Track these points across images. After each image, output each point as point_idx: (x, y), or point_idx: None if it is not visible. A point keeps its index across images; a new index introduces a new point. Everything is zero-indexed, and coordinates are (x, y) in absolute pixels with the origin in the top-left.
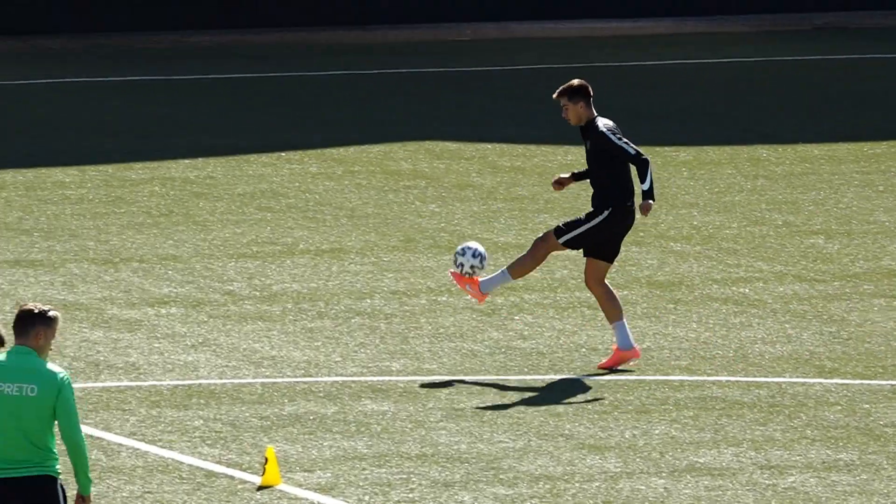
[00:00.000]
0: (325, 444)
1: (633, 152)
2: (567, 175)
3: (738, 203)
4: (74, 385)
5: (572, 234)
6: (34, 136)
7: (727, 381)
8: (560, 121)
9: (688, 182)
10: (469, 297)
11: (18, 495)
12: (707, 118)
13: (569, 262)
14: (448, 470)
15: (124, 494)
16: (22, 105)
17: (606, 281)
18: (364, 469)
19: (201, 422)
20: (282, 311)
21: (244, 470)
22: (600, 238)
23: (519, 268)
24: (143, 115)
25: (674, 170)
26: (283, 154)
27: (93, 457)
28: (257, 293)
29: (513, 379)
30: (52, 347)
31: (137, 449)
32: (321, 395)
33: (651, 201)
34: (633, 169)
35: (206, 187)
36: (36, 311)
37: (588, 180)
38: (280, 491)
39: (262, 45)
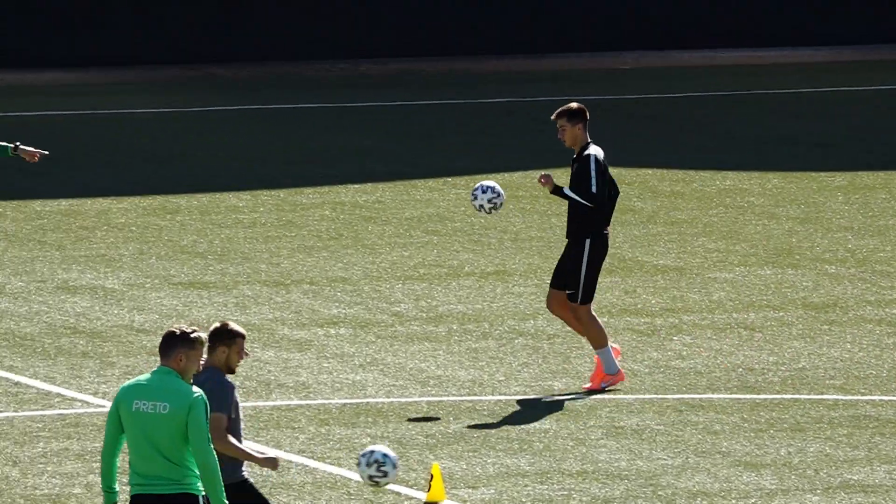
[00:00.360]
0: (488, 461)
1: (593, 189)
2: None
3: (891, 227)
4: (246, 403)
5: (581, 288)
6: (208, 161)
7: (881, 400)
8: (718, 146)
9: (843, 206)
10: (612, 383)
11: None
12: (861, 144)
13: (726, 285)
14: (608, 487)
15: None
16: (198, 132)
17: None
18: (526, 486)
19: (369, 439)
20: (447, 331)
21: (410, 486)
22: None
23: (594, 336)
24: (314, 141)
25: (829, 194)
26: (449, 179)
27: (263, 473)
28: (423, 314)
29: (671, 398)
30: (199, 367)
31: (307, 465)
32: (485, 413)
33: (547, 183)
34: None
35: (374, 211)
36: (178, 333)
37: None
38: None
39: (431, 73)
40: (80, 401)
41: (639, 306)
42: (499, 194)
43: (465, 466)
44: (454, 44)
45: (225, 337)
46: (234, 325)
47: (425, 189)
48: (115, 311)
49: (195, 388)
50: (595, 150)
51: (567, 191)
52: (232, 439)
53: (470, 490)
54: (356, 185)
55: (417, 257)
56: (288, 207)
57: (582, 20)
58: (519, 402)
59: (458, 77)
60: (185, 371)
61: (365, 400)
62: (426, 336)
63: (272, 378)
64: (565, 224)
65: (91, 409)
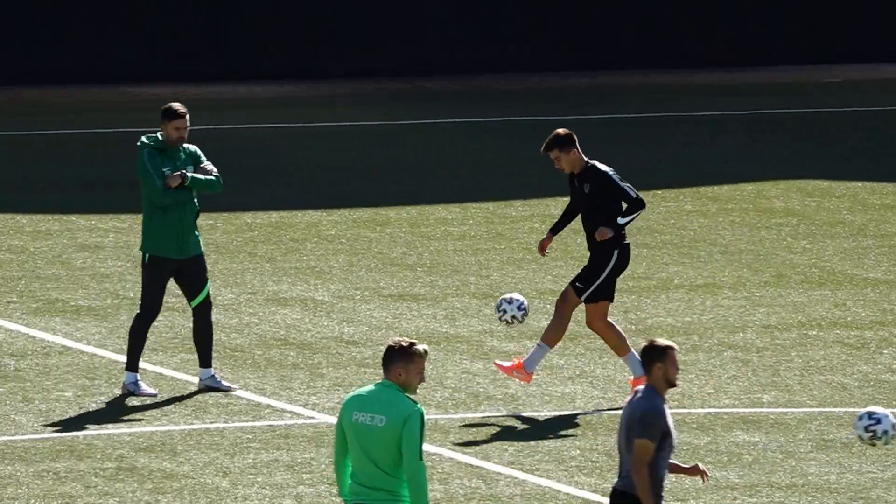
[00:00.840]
0: None
1: (634, 195)
2: (546, 237)
3: None
4: (454, 415)
5: (591, 288)
6: (418, 174)
7: None
8: None
9: None
10: (518, 381)
11: None
12: None
13: None
14: (818, 500)
15: None
16: (407, 145)
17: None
18: (735, 499)
19: (578, 451)
20: None
21: None
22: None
23: (552, 334)
24: (523, 153)
25: None
26: (658, 192)
27: (472, 485)
28: (633, 326)
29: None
30: (422, 380)
31: (515, 478)
32: (694, 426)
33: (610, 231)
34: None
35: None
36: (396, 347)
37: (571, 224)
38: None
39: (634, 86)
40: (290, 412)
41: (849, 319)
42: (523, 309)
43: (673, 479)
44: (645, 57)
45: (656, 353)
46: (661, 341)
47: None
48: (325, 323)
49: (411, 402)
50: (603, 166)
51: (624, 221)
52: (645, 471)
53: (679, 503)
54: (565, 198)
55: (627, 270)
56: (497, 220)
57: (790, 32)
58: (728, 414)
59: (657, 90)
60: (406, 384)
61: (574, 412)
62: (635, 349)
63: (481, 390)
64: (772, 237)
65: (301, 421)
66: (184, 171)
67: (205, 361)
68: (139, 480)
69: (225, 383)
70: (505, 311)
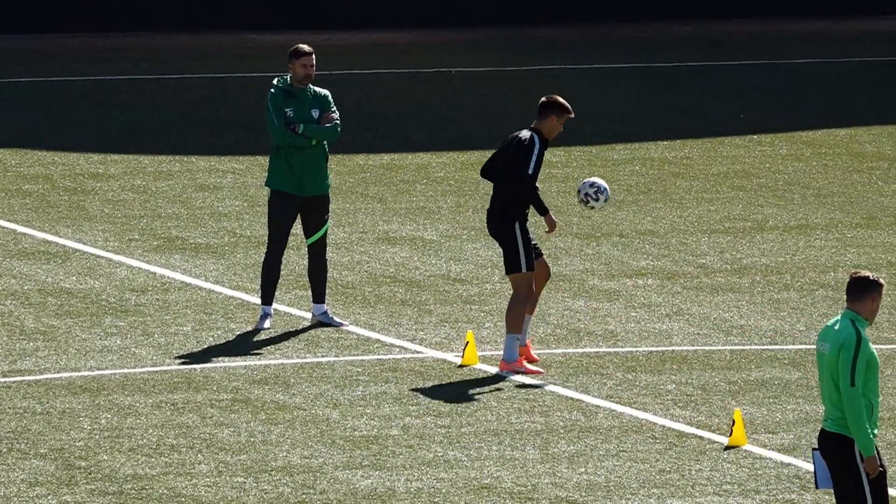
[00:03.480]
0: (788, 407)
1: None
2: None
3: None
4: (556, 350)
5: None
6: (523, 118)
7: None
8: None
9: None
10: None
11: (824, 447)
12: None
13: None
14: None
15: (601, 452)
16: (514, 89)
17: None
18: None
19: (674, 386)
20: (750, 283)
21: (713, 431)
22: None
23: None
24: (625, 99)
25: None
26: (755, 137)
27: (572, 417)
28: (728, 266)
29: None
30: (875, 310)
31: (614, 410)
32: (786, 361)
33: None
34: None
35: (682, 167)
36: (871, 278)
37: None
38: (745, 451)
39: (734, 35)
40: (398, 347)
41: None
42: (601, 199)
43: (765, 413)
44: (754, 5)
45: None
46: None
47: (732, 146)
48: (433, 262)
49: (849, 329)
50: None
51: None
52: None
53: (770, 435)
54: (665, 143)
55: (723, 212)
56: (599, 162)
57: None
58: None
59: (762, 39)
60: (872, 313)
61: (671, 348)
62: (730, 287)
63: (581, 326)
64: (863, 181)
65: (408, 355)
66: (296, 125)
67: (318, 297)
68: (253, 411)
69: (336, 319)
70: (588, 196)
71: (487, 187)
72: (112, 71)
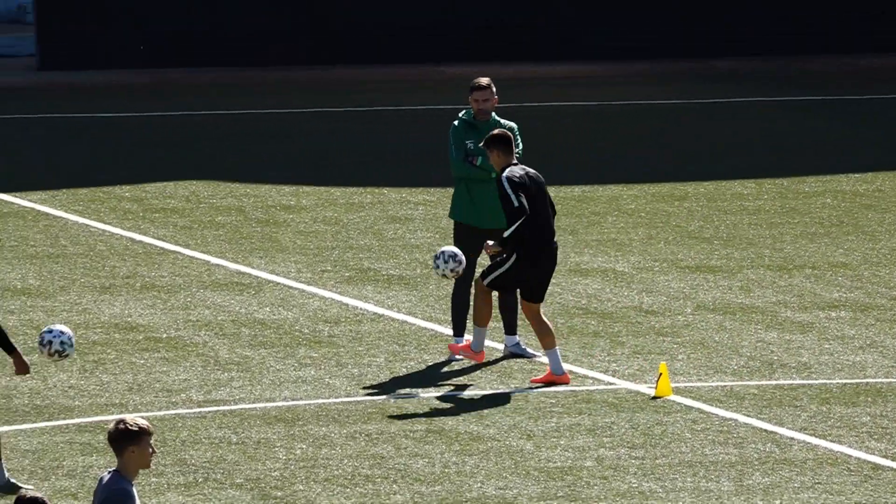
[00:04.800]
0: None
1: (515, 204)
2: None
3: None
4: (749, 382)
5: (492, 276)
6: (714, 150)
7: None
8: None
9: None
10: (469, 360)
11: None
12: None
13: None
14: None
15: (796, 485)
16: (702, 123)
17: (542, 315)
18: None
19: (868, 418)
20: None
21: None
22: (521, 279)
23: (478, 316)
24: (814, 132)
25: None
26: None
27: (766, 449)
28: None
29: None
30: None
31: (808, 442)
32: None
33: (497, 246)
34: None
35: (874, 199)
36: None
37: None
38: None
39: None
40: (591, 378)
41: None
42: (460, 262)
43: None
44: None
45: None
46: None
47: None
48: (625, 293)
49: None
50: (508, 171)
51: (506, 234)
52: None
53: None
54: (857, 175)
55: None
56: (791, 195)
57: None
58: None
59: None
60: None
61: (864, 380)
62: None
63: (775, 358)
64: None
65: (601, 387)
66: (474, 157)
67: (510, 329)
68: (447, 442)
69: (529, 350)
70: (438, 267)
71: (680, 219)
72: (299, 104)
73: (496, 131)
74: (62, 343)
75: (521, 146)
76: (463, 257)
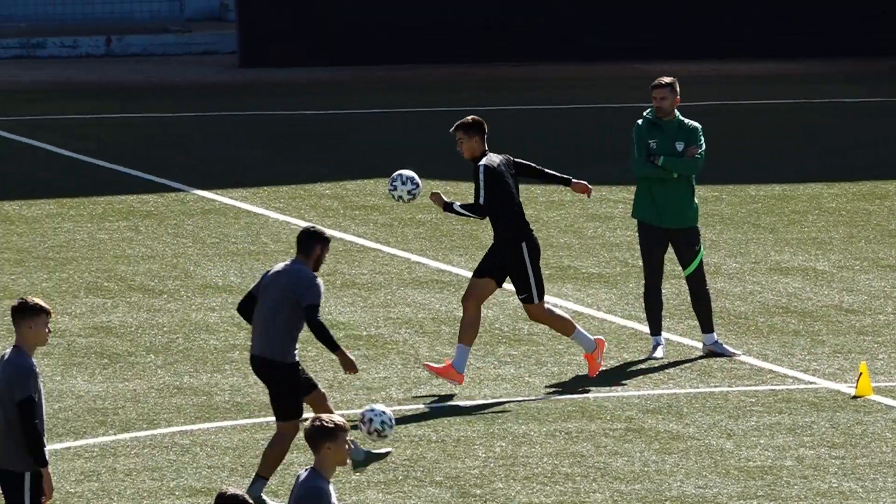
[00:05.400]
0: None
1: (480, 200)
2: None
3: None
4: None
5: (535, 289)
6: (867, 151)
7: None
8: None
9: None
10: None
11: None
12: None
13: None
14: None
15: None
16: (888, 123)
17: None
18: None
19: None
20: None
21: None
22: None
23: (561, 328)
24: None
25: None
26: None
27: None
28: None
29: None
30: None
31: None
32: None
33: (437, 202)
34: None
35: None
36: None
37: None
38: None
39: None
40: (791, 377)
41: None
42: (417, 185)
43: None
44: None
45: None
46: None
47: None
48: (825, 292)
49: None
50: (485, 160)
51: (457, 206)
52: None
53: None
54: None
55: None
56: None
57: None
58: None
59: None
60: None
61: None
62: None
63: None
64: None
65: (801, 386)
66: (655, 157)
67: (706, 328)
68: (647, 441)
69: (729, 349)
70: (395, 189)
71: (881, 217)
72: (505, 101)
73: (470, 118)
74: (382, 423)
75: (703, 147)
76: (419, 181)
